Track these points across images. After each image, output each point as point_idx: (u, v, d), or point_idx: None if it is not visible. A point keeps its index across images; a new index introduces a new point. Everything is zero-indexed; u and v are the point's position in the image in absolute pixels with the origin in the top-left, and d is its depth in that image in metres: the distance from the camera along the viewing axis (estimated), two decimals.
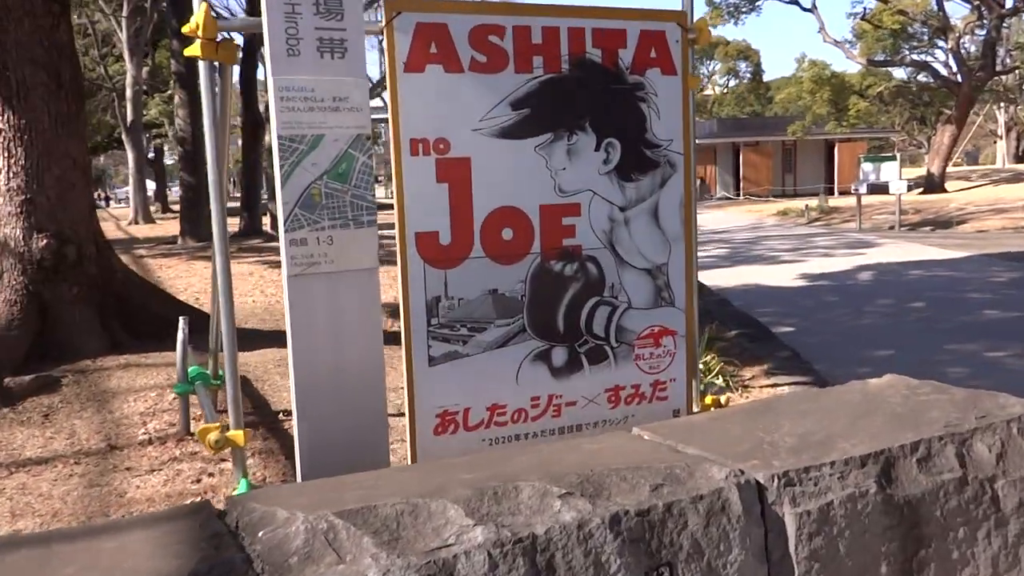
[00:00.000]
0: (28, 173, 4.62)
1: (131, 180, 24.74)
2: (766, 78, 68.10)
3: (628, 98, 3.13)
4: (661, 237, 3.23)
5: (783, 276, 11.10)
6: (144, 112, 25.94)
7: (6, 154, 4.56)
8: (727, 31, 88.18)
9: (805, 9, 29.91)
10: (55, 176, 4.67)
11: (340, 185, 2.45)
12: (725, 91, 69.42)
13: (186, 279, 8.76)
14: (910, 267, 11.54)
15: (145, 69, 24.78)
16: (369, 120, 2.52)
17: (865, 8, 29.01)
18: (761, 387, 4.55)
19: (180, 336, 3.72)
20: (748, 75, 69.84)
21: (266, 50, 2.35)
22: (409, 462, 2.89)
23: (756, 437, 2.43)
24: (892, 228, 18.72)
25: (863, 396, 2.88)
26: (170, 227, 18.45)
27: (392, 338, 3.00)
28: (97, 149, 32.35)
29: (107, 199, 52.62)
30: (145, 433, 3.72)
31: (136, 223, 22.77)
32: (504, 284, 2.98)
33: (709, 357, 4.74)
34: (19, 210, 4.63)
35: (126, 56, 23.08)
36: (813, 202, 24.71)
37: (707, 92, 71.16)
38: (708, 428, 2.58)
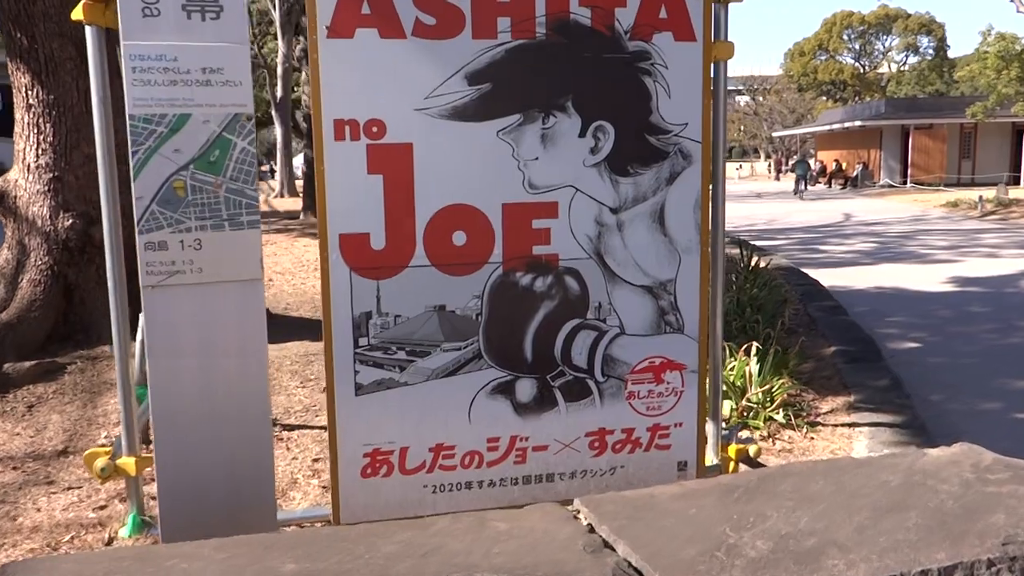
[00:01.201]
0: (56, 151, 4.54)
1: (278, 155, 25.85)
2: (952, 55, 62.07)
3: (627, 71, 2.48)
4: (667, 246, 2.57)
5: (929, 279, 9.74)
6: (295, 89, 26.96)
7: (35, 130, 4.50)
8: (905, 2, 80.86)
9: None
10: (84, 154, 4.57)
11: (212, 177, 2.01)
12: (903, 68, 63.89)
13: (276, 258, 8.73)
14: None
15: (297, 47, 25.68)
16: (251, 97, 2.05)
17: None
18: (835, 426, 3.73)
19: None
20: (931, 51, 63.93)
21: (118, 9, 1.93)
22: (331, 509, 2.43)
23: (716, 535, 1.80)
24: None
25: (905, 477, 2.13)
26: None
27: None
28: (257, 124, 34.09)
29: (272, 171, 55.85)
30: (106, 438, 3.47)
31: (281, 196, 23.75)
32: (454, 300, 2.44)
33: (778, 383, 3.97)
34: (47, 188, 4.57)
35: (278, 33, 23.98)
36: (990, 193, 22.03)
37: (881, 70, 65.79)
38: (665, 510, 1.97)
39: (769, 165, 42.03)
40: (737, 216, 20.76)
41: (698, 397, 2.62)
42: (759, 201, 26.87)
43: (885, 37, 63.59)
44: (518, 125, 2.40)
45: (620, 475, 2.57)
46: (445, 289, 2.41)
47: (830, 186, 33.78)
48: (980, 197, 20.48)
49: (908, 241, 14.19)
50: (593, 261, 2.49)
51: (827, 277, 9.80)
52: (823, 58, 64.25)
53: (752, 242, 14.20)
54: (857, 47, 63.62)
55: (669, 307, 2.57)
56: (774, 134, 51.70)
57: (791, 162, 36.50)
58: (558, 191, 2.45)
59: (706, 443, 2.71)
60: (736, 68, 79.06)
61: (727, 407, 3.72)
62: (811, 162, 34.17)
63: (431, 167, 2.36)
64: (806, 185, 29.20)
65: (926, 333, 6.73)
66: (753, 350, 4.06)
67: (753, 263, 8.14)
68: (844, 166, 34.01)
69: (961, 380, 5.28)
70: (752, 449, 2.79)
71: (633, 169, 2.50)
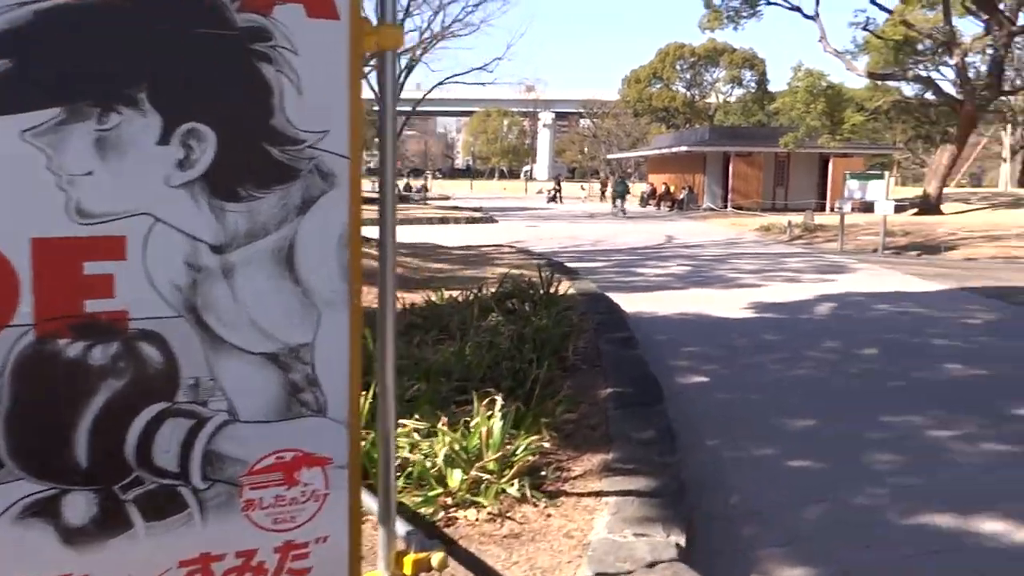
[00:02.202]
0: None
1: None
2: (772, 88, 66.62)
3: (235, 54, 1.78)
4: (300, 299, 1.87)
5: (733, 304, 9.74)
6: None
7: None
8: (731, 37, 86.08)
9: (807, 16, 28.57)
10: None
11: None
12: (729, 99, 67.92)
13: None
14: (877, 300, 10.18)
15: None
16: None
17: (868, 18, 27.63)
18: (581, 495, 3.19)
19: None
20: (753, 84, 68.38)
21: None
22: None
23: None
24: (876, 251, 17.35)
25: None
26: None
27: None
28: None
29: None
30: None
31: None
32: None
33: (524, 442, 3.39)
34: None
35: None
36: (799, 218, 23.34)
37: (710, 100, 69.67)
38: None
39: (602, 186, 43.14)
40: (565, 236, 20.77)
41: (349, 499, 1.95)
42: (591, 222, 27.23)
43: (713, 69, 67.44)
44: (58, 123, 1.63)
45: None
46: None
47: (659, 208, 34.97)
48: (789, 222, 21.59)
49: (720, 265, 14.48)
50: (185, 320, 1.76)
51: (635, 303, 9.59)
52: (658, 86, 67.19)
53: (571, 264, 14.03)
54: (688, 77, 67.06)
55: (305, 381, 1.89)
56: (609, 156, 53.33)
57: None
58: (126, 220, 1.70)
59: (361, 560, 2.04)
60: (576, 92, 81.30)
61: (457, 478, 3.09)
62: (628, 183, 36.35)
63: None
64: (623, 204, 31.03)
65: (718, 365, 6.49)
66: (498, 404, 3.46)
67: (553, 290, 7.71)
68: (672, 189, 35.33)
69: (743, 419, 4.98)
70: (435, 559, 2.15)
71: (247, 192, 1.79)
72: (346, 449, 1.95)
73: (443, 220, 25.43)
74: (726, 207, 31.76)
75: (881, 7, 27.53)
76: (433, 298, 7.66)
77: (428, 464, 3.15)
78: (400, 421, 3.44)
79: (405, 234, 20.31)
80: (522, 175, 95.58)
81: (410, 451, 3.30)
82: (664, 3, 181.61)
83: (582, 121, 78.32)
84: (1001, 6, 26.64)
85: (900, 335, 7.87)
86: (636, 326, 7.98)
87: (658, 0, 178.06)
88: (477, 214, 27.70)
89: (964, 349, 7.29)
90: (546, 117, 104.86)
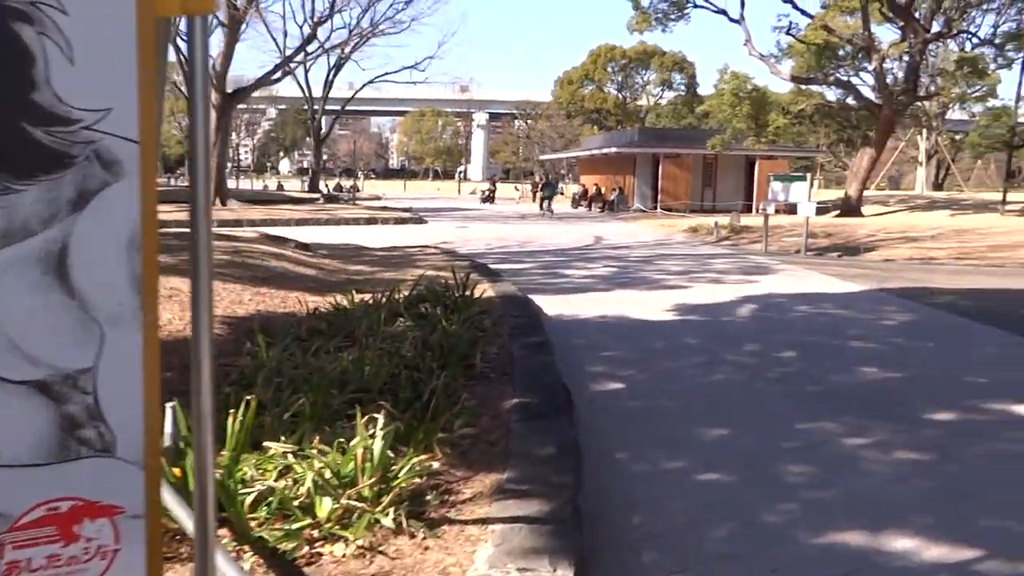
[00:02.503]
0: None
1: None
2: (702, 92, 67.89)
3: None
4: (76, 315, 1.53)
5: (656, 306, 9.62)
6: None
7: None
8: (661, 40, 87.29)
9: (733, 20, 28.99)
10: None
11: None
12: (659, 101, 68.86)
13: None
14: (798, 301, 10.20)
15: None
16: None
17: (791, 23, 28.20)
18: (466, 523, 2.90)
19: None
20: (683, 87, 69.51)
21: None
22: None
23: None
24: (799, 252, 17.60)
25: None
26: None
27: None
28: None
29: None
30: None
31: None
32: None
33: (409, 463, 3.08)
34: None
35: None
36: (725, 220, 23.61)
37: (641, 102, 70.54)
38: None
39: (533, 187, 43.15)
40: (494, 237, 20.52)
41: (148, 556, 1.62)
42: (522, 223, 27.06)
43: (644, 71, 68.32)
44: None
45: None
46: None
47: (590, 209, 35.06)
48: (715, 223, 21.80)
49: (646, 266, 14.43)
50: None
51: (558, 305, 9.38)
52: (590, 88, 67.71)
53: (496, 266, 13.77)
54: (620, 79, 67.80)
55: (85, 415, 1.55)
56: (542, 157, 53.39)
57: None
58: None
59: None
60: (510, 93, 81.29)
61: (327, 507, 2.76)
62: (556, 184, 37.55)
63: None
64: (551, 205, 31.57)
65: (635, 370, 6.30)
66: (379, 421, 3.14)
67: (469, 293, 7.42)
68: (603, 190, 35.46)
69: (656, 429, 4.77)
70: None
71: (1, 183, 1.45)
72: (142, 495, 1.61)
73: (371, 221, 24.90)
74: (656, 208, 32.01)
75: (803, 12, 28.17)
76: (343, 302, 7.29)
77: (295, 491, 2.81)
78: (266, 444, 3.10)
79: (329, 235, 19.77)
80: (456, 176, 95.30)
81: (278, 477, 2.96)
82: (596, 5, 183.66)
83: (516, 122, 78.38)
84: (917, 14, 27.53)
85: (819, 337, 7.84)
86: (555, 330, 7.76)
87: (590, 2, 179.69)
88: (406, 215, 27.24)
89: (880, 351, 7.28)
90: (480, 118, 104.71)
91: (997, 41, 32.01)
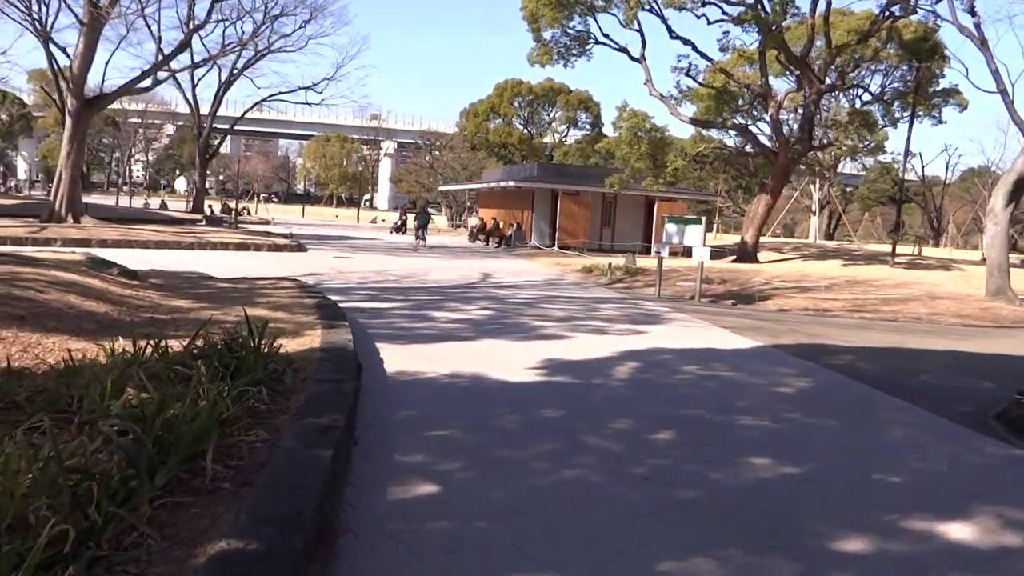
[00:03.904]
0: None
1: None
2: (609, 131, 68.24)
3: None
4: None
5: (523, 362, 8.17)
6: None
7: None
8: (568, 77, 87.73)
9: (633, 59, 28.46)
10: None
11: None
12: (564, 139, 68.75)
13: None
14: (686, 359, 8.96)
15: None
16: None
17: (691, 64, 27.87)
18: None
19: None
20: (588, 125, 69.73)
21: None
22: None
23: None
24: (693, 298, 16.64)
25: None
26: None
27: None
28: None
29: None
30: None
31: None
32: None
33: None
34: None
35: None
36: (621, 260, 22.66)
37: (547, 139, 70.34)
38: None
39: (402, 215, 41.62)
40: (373, 270, 18.81)
41: None
42: (411, 255, 25.41)
43: (551, 108, 68.24)
44: None
45: None
46: None
47: (487, 243, 33.75)
48: (610, 264, 20.77)
49: (527, 310, 13.04)
50: None
51: (405, 358, 7.82)
52: (496, 121, 67.03)
53: (360, 304, 12.11)
54: (526, 114, 67.45)
55: None
56: (442, 188, 51.98)
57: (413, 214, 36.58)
58: None
59: None
60: (419, 123, 79.90)
61: None
62: (431, 211, 36.66)
63: None
64: (425, 234, 31.05)
65: (463, 463, 4.77)
66: None
67: (264, 347, 5.75)
68: (501, 225, 34.26)
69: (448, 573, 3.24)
70: None
71: None
72: None
73: (242, 247, 22.76)
74: (553, 246, 30.97)
75: (703, 55, 27.88)
76: (100, 354, 5.51)
77: None
78: None
79: (182, 261, 17.61)
80: (361, 204, 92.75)
81: None
82: (505, 39, 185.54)
83: (422, 152, 76.95)
84: (813, 67, 27.67)
85: (704, 410, 6.53)
86: (382, 397, 6.18)
87: (499, 36, 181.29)
88: (285, 241, 25.17)
89: (775, 433, 6.00)
90: (388, 146, 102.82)
91: (886, 98, 32.82)
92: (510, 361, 8.22)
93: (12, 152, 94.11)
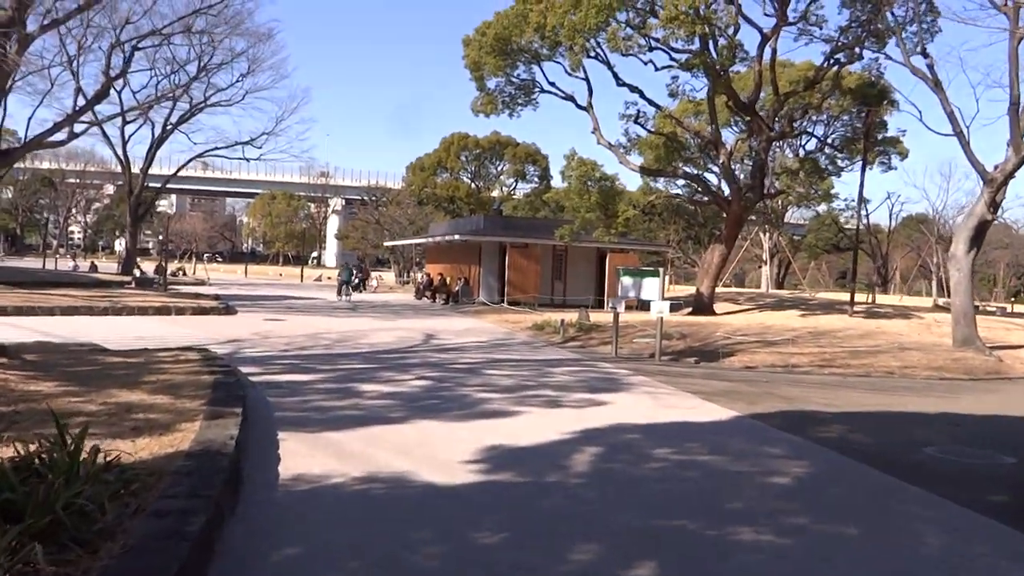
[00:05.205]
0: None
1: None
2: (556, 184, 67.84)
3: None
4: None
5: (458, 453, 6.62)
6: None
7: None
8: (515, 130, 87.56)
9: (580, 107, 27.60)
10: None
11: None
12: (513, 192, 68.10)
13: None
14: (656, 440, 7.50)
15: None
16: None
17: (639, 111, 27.11)
18: None
19: None
20: (536, 178, 69.27)
21: None
22: None
23: None
24: (653, 356, 15.30)
25: None
26: None
27: None
28: None
29: None
30: None
31: None
32: None
33: None
34: None
35: None
36: (574, 316, 21.31)
37: (495, 192, 69.60)
38: None
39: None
40: (305, 334, 17.07)
41: None
42: (351, 316, 23.70)
43: (498, 162, 67.64)
44: None
45: None
46: None
47: (434, 300, 32.19)
48: (562, 321, 19.38)
49: (471, 378, 11.49)
50: None
51: (310, 453, 6.23)
52: (443, 175, 66.12)
53: (278, 376, 10.47)
54: (473, 168, 66.71)
55: None
56: (387, 243, 50.47)
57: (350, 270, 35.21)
58: None
59: None
60: (365, 179, 78.70)
61: None
62: (354, 268, 36.38)
63: None
64: (349, 290, 31.41)
65: None
66: None
67: (83, 461, 4.11)
68: (448, 280, 32.79)
69: None
70: None
71: None
72: None
73: (162, 311, 20.81)
74: (502, 301, 29.55)
75: (651, 102, 27.17)
76: None
77: None
78: None
79: (84, 328, 15.65)
80: (308, 261, 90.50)
81: None
82: (453, 91, 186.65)
83: (368, 208, 75.61)
84: (761, 113, 27.18)
85: (689, 519, 5.05)
86: (264, 520, 4.57)
87: (447, 87, 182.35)
88: (212, 304, 23.26)
89: (783, 555, 4.54)
90: (336, 203, 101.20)
91: (835, 144, 32.58)
92: (443, 453, 6.66)
93: None
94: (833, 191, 36.77)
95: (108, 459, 4.65)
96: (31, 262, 56.30)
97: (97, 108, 26.66)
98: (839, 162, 32.66)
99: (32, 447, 4.41)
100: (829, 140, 33.20)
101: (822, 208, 37.41)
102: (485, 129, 63.18)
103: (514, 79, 27.91)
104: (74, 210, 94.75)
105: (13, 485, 3.69)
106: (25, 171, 76.46)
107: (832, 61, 26.52)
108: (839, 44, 25.61)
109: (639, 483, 6.00)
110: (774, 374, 13.89)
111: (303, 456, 6.28)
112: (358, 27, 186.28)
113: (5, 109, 21.04)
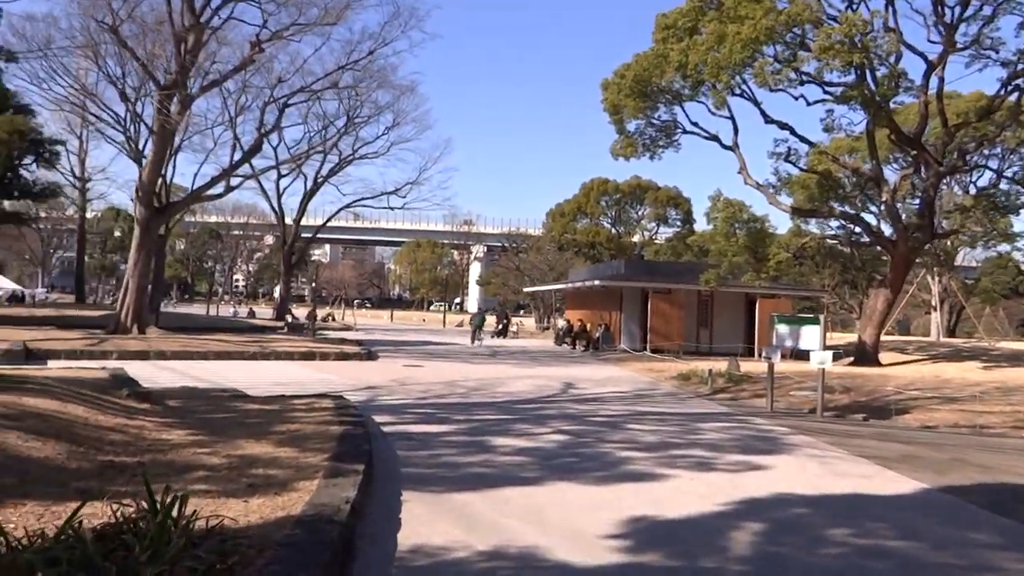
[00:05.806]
0: None
1: None
2: (700, 227, 65.88)
3: None
4: None
5: (597, 526, 5.82)
6: None
7: None
8: (655, 174, 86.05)
9: (726, 147, 26.42)
10: None
11: None
12: (654, 236, 66.73)
13: None
14: (832, 517, 6.38)
15: None
16: None
17: (790, 148, 25.55)
18: None
19: None
20: (679, 222, 67.58)
21: None
22: None
23: None
24: (813, 411, 13.85)
25: None
26: None
27: None
28: None
29: None
30: None
31: None
32: None
33: None
34: None
35: None
36: (722, 365, 19.96)
37: (636, 237, 68.45)
38: None
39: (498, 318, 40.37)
40: (442, 381, 16.78)
41: None
42: (489, 362, 23.39)
43: (638, 206, 66.61)
44: None
45: None
46: None
47: (573, 347, 31.46)
48: (710, 371, 18.12)
49: (612, 433, 10.63)
50: None
51: (438, 518, 5.68)
52: (583, 221, 65.77)
53: (410, 427, 10.07)
54: (613, 213, 65.99)
55: None
56: (527, 289, 50.40)
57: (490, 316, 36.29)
58: None
59: None
60: (507, 226, 79.76)
61: None
62: (486, 315, 38.36)
63: None
64: (482, 335, 32.54)
65: None
66: None
67: (180, 537, 3.66)
68: (588, 327, 32.00)
69: None
70: None
71: None
72: None
73: (307, 356, 21.27)
74: (645, 349, 28.40)
75: (803, 139, 25.54)
76: None
77: None
78: None
79: (231, 374, 16.06)
80: (451, 306, 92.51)
81: None
82: (591, 137, 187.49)
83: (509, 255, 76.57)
84: (929, 147, 24.95)
85: None
86: None
87: (585, 133, 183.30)
88: (355, 349, 23.64)
89: None
90: (478, 250, 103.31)
91: (1016, 178, 29.44)
92: (580, 523, 5.88)
93: (124, 265, 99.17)
94: (1012, 229, 33.29)
95: (210, 525, 4.23)
96: (197, 308, 60.57)
97: (253, 162, 28.27)
98: (1020, 198, 29.50)
99: (131, 509, 4.04)
100: (1006, 174, 30.11)
101: (1002, 248, 33.74)
102: (625, 172, 62.54)
103: (654, 120, 27.15)
104: (238, 260, 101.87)
105: (92, 561, 3.26)
106: (195, 224, 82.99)
107: (1011, 87, 24.01)
108: (1018, 70, 23.16)
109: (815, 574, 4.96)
110: (960, 436, 12.12)
111: (423, 522, 5.68)
112: (492, 76, 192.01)
113: (175, 166, 22.62)
